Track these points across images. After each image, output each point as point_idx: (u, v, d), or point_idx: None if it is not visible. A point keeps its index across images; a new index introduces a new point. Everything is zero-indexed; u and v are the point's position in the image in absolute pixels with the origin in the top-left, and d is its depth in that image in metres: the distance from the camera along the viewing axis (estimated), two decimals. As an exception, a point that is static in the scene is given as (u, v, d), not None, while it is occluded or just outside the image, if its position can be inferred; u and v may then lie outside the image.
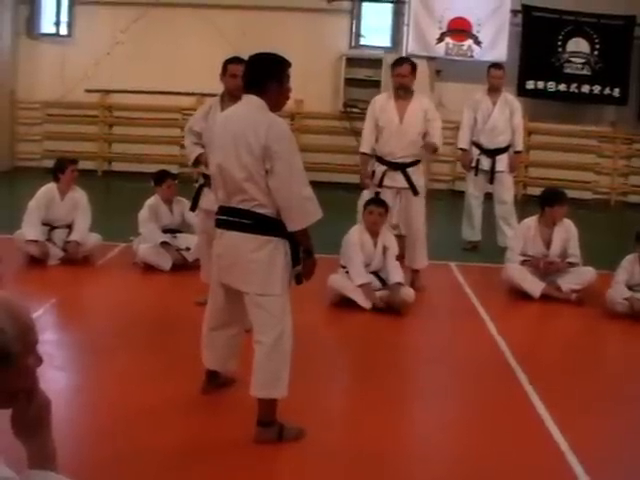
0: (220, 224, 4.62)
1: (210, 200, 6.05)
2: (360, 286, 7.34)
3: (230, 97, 6.50)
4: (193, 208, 7.14)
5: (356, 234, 7.58)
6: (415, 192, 8.19)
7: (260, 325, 4.51)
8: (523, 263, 8.17)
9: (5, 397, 2.41)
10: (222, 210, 4.60)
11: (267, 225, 4.42)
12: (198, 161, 6.77)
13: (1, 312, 2.32)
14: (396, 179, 8.19)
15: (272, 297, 4.45)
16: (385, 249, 7.56)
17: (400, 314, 7.23)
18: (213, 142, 4.66)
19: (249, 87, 4.54)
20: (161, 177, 8.78)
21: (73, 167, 8.63)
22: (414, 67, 8.20)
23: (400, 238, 8.64)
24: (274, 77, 4.54)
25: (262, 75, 4.53)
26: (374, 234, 7.58)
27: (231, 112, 4.67)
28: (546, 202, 8.27)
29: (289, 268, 4.52)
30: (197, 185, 7.01)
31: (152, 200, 8.68)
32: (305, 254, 4.53)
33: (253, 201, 4.39)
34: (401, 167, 8.16)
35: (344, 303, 7.36)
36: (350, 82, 15.19)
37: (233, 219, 4.49)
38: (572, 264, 8.15)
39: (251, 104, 4.50)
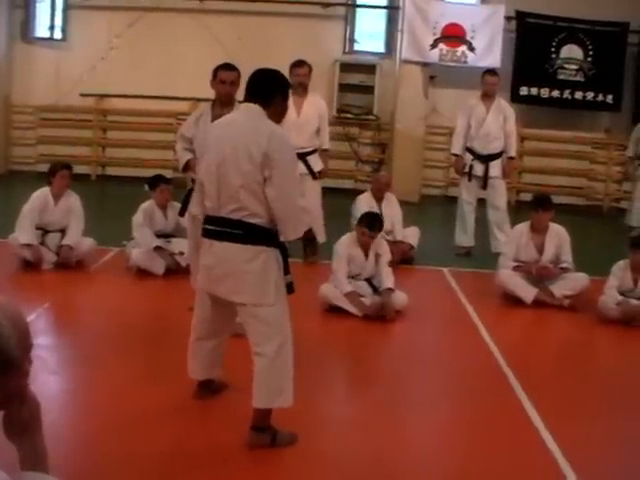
0: (209, 234, 4.57)
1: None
2: (346, 295, 7.36)
3: (221, 103, 6.52)
4: (182, 212, 7.13)
5: (344, 246, 7.58)
6: (314, 177, 9.34)
7: (258, 336, 4.48)
8: (516, 269, 8.18)
9: (2, 401, 2.43)
10: (210, 220, 4.56)
11: (259, 235, 4.41)
12: (188, 166, 6.77)
13: (3, 319, 2.33)
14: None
15: (267, 307, 4.43)
16: (377, 256, 7.57)
17: (392, 320, 7.23)
18: (208, 148, 4.63)
19: (254, 97, 4.53)
20: (155, 182, 8.78)
21: (63, 172, 8.58)
22: (311, 69, 9.47)
23: (394, 244, 8.67)
24: (281, 91, 4.60)
25: (271, 87, 4.56)
26: (365, 247, 7.58)
27: (231, 119, 4.67)
28: (531, 207, 8.37)
29: (282, 277, 4.53)
30: (187, 190, 7.01)
31: (146, 204, 8.67)
32: None
33: (244, 211, 4.36)
34: (301, 156, 8.81)
35: (337, 309, 7.36)
36: (344, 87, 15.21)
37: (224, 229, 4.46)
38: (565, 270, 8.17)
39: (251, 112, 4.50)
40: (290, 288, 4.58)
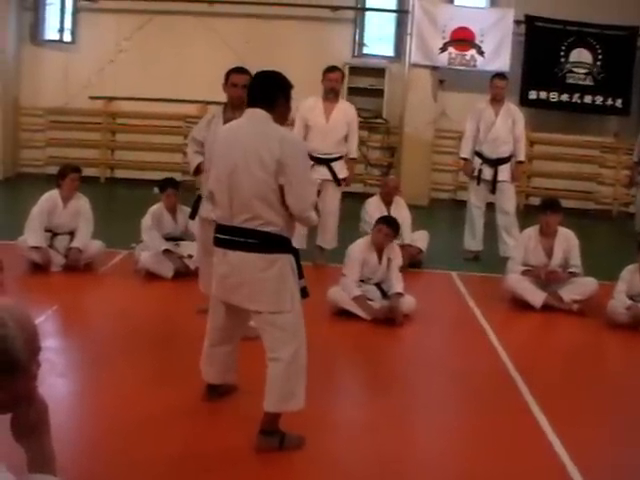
0: (222, 243, 4.54)
1: (208, 208, 6.07)
2: (354, 299, 7.35)
3: (233, 107, 6.52)
4: (192, 216, 7.13)
5: (358, 250, 7.57)
6: (338, 183, 9.34)
7: (274, 342, 4.48)
8: (524, 273, 8.16)
9: (9, 403, 2.44)
10: (223, 229, 4.53)
11: (274, 243, 4.40)
12: (199, 170, 6.77)
13: (10, 321, 2.33)
14: (320, 172, 9.08)
15: (284, 314, 4.43)
16: (389, 261, 7.56)
17: (400, 324, 7.22)
18: (216, 155, 4.61)
19: (257, 101, 4.51)
20: (164, 185, 8.78)
21: (73, 175, 8.59)
22: (343, 75, 9.74)
23: (402, 247, 8.66)
24: (283, 93, 4.56)
25: (272, 90, 4.53)
26: (379, 250, 7.58)
27: (238, 126, 4.61)
28: (540, 210, 8.36)
29: (297, 282, 4.52)
30: (197, 193, 7.00)
31: (155, 207, 8.67)
32: None
33: (258, 220, 4.35)
34: (325, 162, 9.18)
35: (345, 313, 7.35)
36: (353, 91, 15.17)
37: (238, 239, 4.43)
38: (573, 274, 8.15)
39: (257, 117, 4.47)
40: (304, 292, 4.57)
